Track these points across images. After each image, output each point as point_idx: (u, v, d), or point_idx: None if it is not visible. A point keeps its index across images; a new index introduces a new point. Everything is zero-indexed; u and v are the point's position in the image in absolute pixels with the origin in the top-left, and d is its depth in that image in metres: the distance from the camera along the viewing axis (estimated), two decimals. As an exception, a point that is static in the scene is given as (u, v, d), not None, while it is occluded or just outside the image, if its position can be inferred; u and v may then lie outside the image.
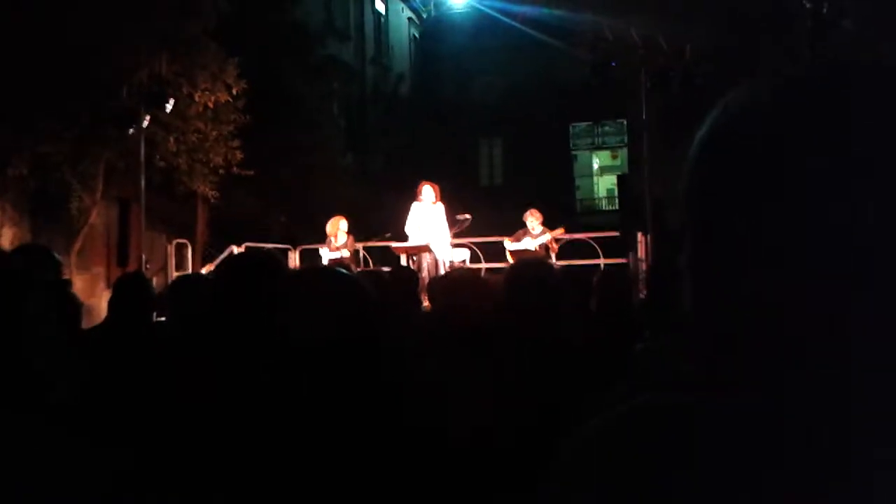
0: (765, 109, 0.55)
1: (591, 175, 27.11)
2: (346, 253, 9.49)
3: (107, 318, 3.37)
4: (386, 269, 6.22)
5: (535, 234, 9.54)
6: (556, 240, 9.69)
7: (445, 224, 9.39)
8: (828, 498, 0.49)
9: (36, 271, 2.50)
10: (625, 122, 23.55)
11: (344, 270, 1.67)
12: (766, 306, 0.52)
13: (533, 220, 9.59)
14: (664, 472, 0.53)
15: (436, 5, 25.86)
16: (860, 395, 0.51)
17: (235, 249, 10.23)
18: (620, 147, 25.47)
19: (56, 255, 2.86)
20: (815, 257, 0.51)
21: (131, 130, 10.22)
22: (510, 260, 9.36)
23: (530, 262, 2.91)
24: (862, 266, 0.50)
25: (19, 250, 2.80)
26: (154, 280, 5.82)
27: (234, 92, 11.74)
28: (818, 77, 0.55)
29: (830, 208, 0.50)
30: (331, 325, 1.48)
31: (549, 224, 9.67)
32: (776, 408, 0.52)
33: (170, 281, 10.24)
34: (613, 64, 11.45)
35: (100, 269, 12.48)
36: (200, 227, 13.58)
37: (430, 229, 9.25)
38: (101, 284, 12.20)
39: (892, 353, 0.50)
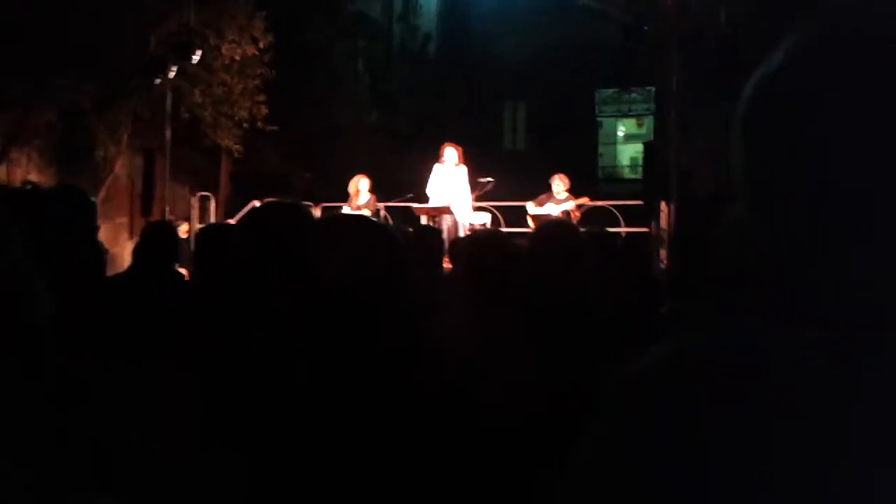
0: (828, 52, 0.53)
1: (614, 143, 26.82)
2: (367, 212, 9.51)
3: (131, 265, 3.40)
4: (409, 228, 6.22)
5: (560, 200, 9.48)
6: (579, 206, 9.62)
7: (467, 186, 9.35)
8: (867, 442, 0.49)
9: (73, 212, 2.51)
10: (652, 90, 23.19)
11: (373, 219, 1.67)
12: (835, 254, 0.51)
13: (559, 184, 9.52)
14: (709, 411, 0.52)
15: (466, -36, 25.46)
16: None
17: (257, 204, 10.26)
18: (646, 115, 25.12)
19: (92, 199, 2.85)
20: (878, 203, 0.49)
21: (158, 81, 10.23)
22: (531, 224, 9.33)
23: (556, 225, 2.90)
24: None
25: (58, 192, 2.77)
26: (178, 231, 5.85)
27: (261, 45, 11.70)
28: (872, 24, 0.53)
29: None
30: (360, 269, 1.48)
31: (573, 191, 9.60)
32: (831, 362, 0.51)
33: (193, 232, 10.32)
34: (645, 28, 11.24)
35: (123, 219, 12.59)
36: (224, 180, 13.64)
37: (452, 191, 9.21)
38: (125, 234, 12.33)
39: None
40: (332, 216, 1.90)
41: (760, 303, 0.57)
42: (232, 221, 10.02)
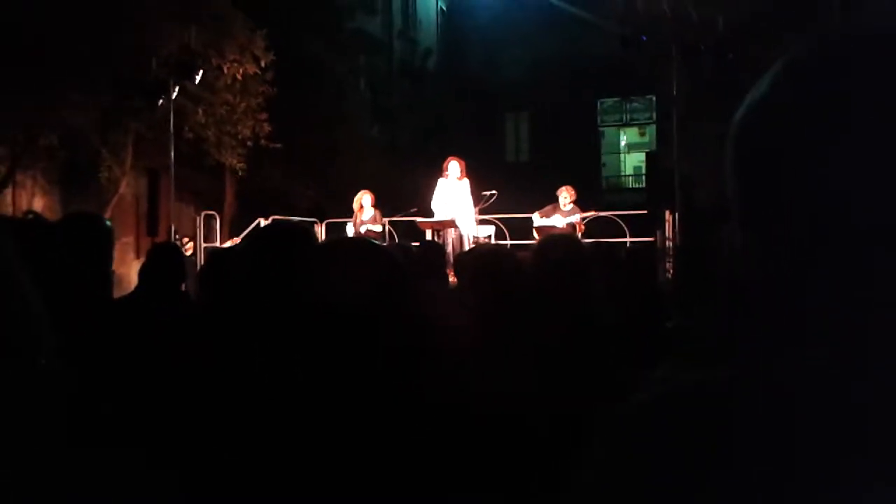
0: (827, 65, 0.53)
1: (617, 152, 26.86)
2: (372, 227, 9.52)
3: (137, 287, 3.41)
4: (413, 244, 6.23)
5: (566, 212, 9.49)
6: (583, 218, 9.64)
7: (471, 200, 9.37)
8: (862, 470, 0.49)
9: (92, 241, 2.51)
10: (653, 99, 23.24)
11: (374, 241, 1.67)
12: (829, 274, 0.51)
13: (566, 196, 9.53)
14: (704, 453, 0.52)
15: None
16: None
17: (262, 222, 10.30)
18: (648, 124, 25.17)
19: (108, 224, 2.82)
20: (872, 219, 0.49)
21: (160, 101, 10.29)
22: (536, 236, 9.34)
23: (559, 238, 2.90)
24: None
25: (76, 220, 2.71)
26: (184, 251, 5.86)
27: (262, 64, 11.77)
28: (872, 34, 0.53)
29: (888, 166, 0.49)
30: (362, 293, 1.49)
31: (578, 202, 9.62)
32: (831, 379, 0.51)
33: (199, 251, 10.35)
34: (644, 38, 11.28)
35: (129, 239, 12.64)
36: (228, 199, 13.69)
37: (456, 205, 9.23)
38: (131, 254, 12.37)
39: None
40: (331, 240, 1.91)
41: (757, 317, 0.57)
42: (236, 240, 10.05)
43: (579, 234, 9.46)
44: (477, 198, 9.47)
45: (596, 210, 10.05)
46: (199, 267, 3.51)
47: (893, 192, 0.49)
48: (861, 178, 0.50)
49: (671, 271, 8.70)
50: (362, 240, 1.74)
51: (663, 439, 0.55)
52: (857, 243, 0.50)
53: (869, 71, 0.51)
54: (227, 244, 9.55)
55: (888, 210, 0.49)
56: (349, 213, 9.89)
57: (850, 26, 0.54)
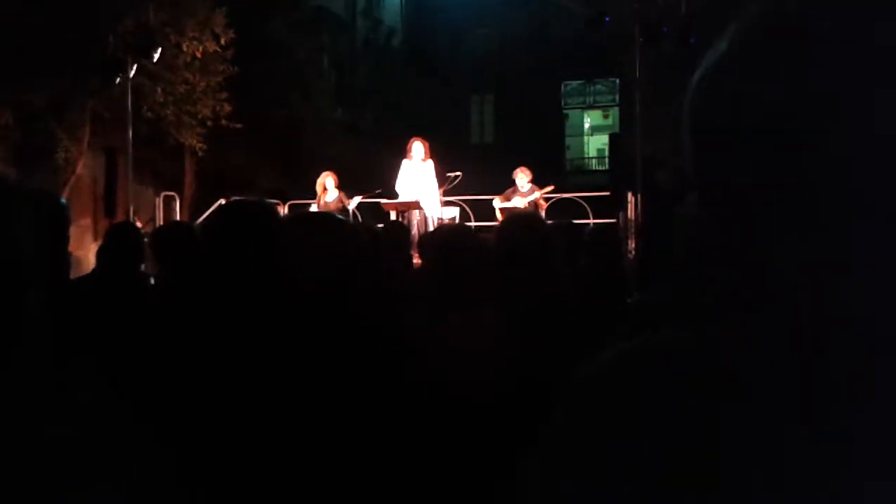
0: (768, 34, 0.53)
1: (581, 134, 27.01)
2: (335, 207, 9.45)
3: (95, 267, 3.35)
4: (378, 225, 6.21)
5: (525, 193, 9.52)
6: (546, 198, 9.67)
7: (435, 181, 9.35)
8: (821, 431, 0.50)
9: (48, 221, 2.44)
10: (617, 81, 23.38)
11: (338, 216, 1.66)
12: (784, 247, 0.52)
13: (522, 177, 9.55)
14: (664, 411, 0.53)
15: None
16: (862, 334, 0.50)
17: (224, 203, 10.17)
18: (612, 106, 25.34)
19: (63, 202, 2.75)
20: (825, 192, 0.50)
21: (118, 80, 10.06)
22: (499, 218, 9.36)
23: (522, 216, 2.91)
24: (869, 197, 0.49)
25: (31, 197, 2.63)
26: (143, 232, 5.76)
27: (223, 41, 11.57)
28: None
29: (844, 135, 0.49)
30: (328, 267, 1.48)
31: (538, 182, 9.64)
32: (778, 341, 0.52)
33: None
34: (607, 19, 11.31)
35: (87, 221, 12.39)
36: (188, 179, 13.48)
37: (420, 186, 9.21)
38: (89, 236, 12.13)
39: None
40: (298, 214, 1.89)
41: (713, 292, 0.58)
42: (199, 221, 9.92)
43: (542, 213, 9.51)
44: (441, 179, 9.45)
45: (558, 191, 10.10)
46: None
47: (850, 157, 0.49)
48: (818, 145, 0.49)
49: (633, 251, 8.80)
50: (326, 214, 1.73)
51: (617, 397, 0.55)
52: (813, 214, 0.50)
53: (824, 33, 0.50)
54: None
55: (844, 178, 0.49)
56: (312, 194, 9.81)
57: None
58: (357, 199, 9.54)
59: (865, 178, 0.49)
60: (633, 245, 9.23)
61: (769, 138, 0.51)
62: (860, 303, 0.50)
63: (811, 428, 0.50)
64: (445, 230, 3.38)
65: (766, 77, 0.52)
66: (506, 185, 9.74)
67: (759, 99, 0.52)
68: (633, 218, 10.01)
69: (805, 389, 0.50)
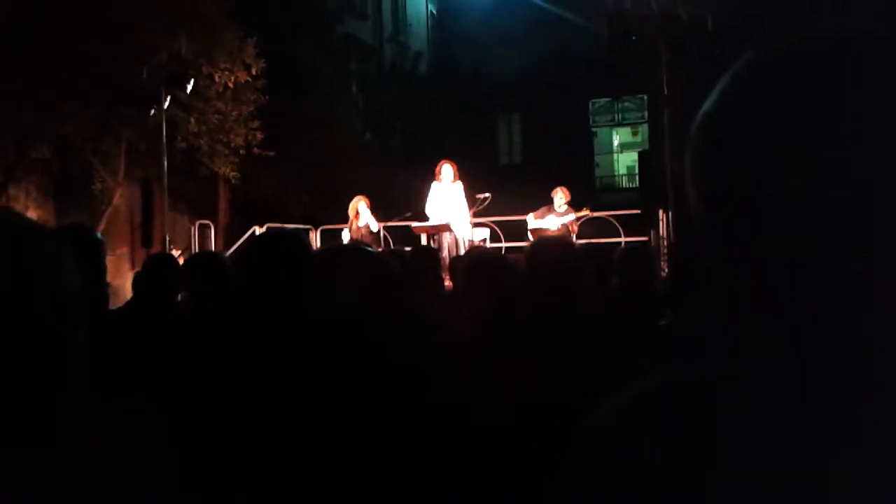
0: (774, 78, 0.55)
1: (610, 152, 26.91)
2: (372, 230, 9.49)
3: (133, 298, 3.42)
4: (407, 248, 6.24)
5: (560, 213, 9.50)
6: (578, 219, 9.65)
7: (465, 203, 9.37)
8: (851, 463, 0.50)
9: (84, 254, 2.50)
10: (645, 98, 23.30)
11: (368, 248, 1.68)
12: (786, 272, 0.53)
13: (561, 197, 9.55)
14: (688, 450, 0.53)
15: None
16: (883, 360, 0.51)
17: (258, 230, 10.29)
18: (641, 123, 25.23)
19: (99, 236, 2.82)
20: (828, 220, 0.51)
21: (152, 111, 10.28)
22: (531, 238, 9.35)
23: (551, 240, 2.91)
24: (882, 227, 0.50)
25: (68, 232, 2.67)
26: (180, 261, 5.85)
27: (254, 71, 11.75)
28: (818, 49, 0.55)
29: (844, 171, 0.51)
30: (356, 301, 1.50)
31: (574, 204, 9.63)
32: (799, 373, 0.52)
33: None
34: (633, 38, 11.30)
35: (124, 250, 12.61)
36: (222, 207, 13.67)
37: (450, 209, 9.24)
38: (126, 265, 12.34)
39: None
40: (328, 248, 1.92)
41: (731, 315, 0.58)
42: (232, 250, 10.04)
43: (573, 236, 9.47)
44: (471, 201, 9.48)
45: (589, 208, 10.07)
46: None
47: (850, 190, 0.50)
48: (817, 179, 0.51)
49: (666, 270, 8.71)
50: (354, 247, 1.75)
51: (639, 439, 0.55)
52: (817, 243, 0.51)
53: (825, 74, 0.53)
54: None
55: (847, 209, 0.50)
56: (343, 218, 9.88)
57: (808, 30, 0.56)
58: (376, 224, 9.57)
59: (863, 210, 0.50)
60: (666, 263, 9.15)
61: (772, 175, 0.53)
62: (879, 337, 0.50)
63: (824, 480, 0.50)
64: (478, 254, 3.39)
65: (756, 126, 0.54)
66: (535, 205, 9.73)
67: (750, 147, 0.54)
68: (664, 235, 9.93)
69: (822, 437, 0.51)
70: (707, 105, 0.59)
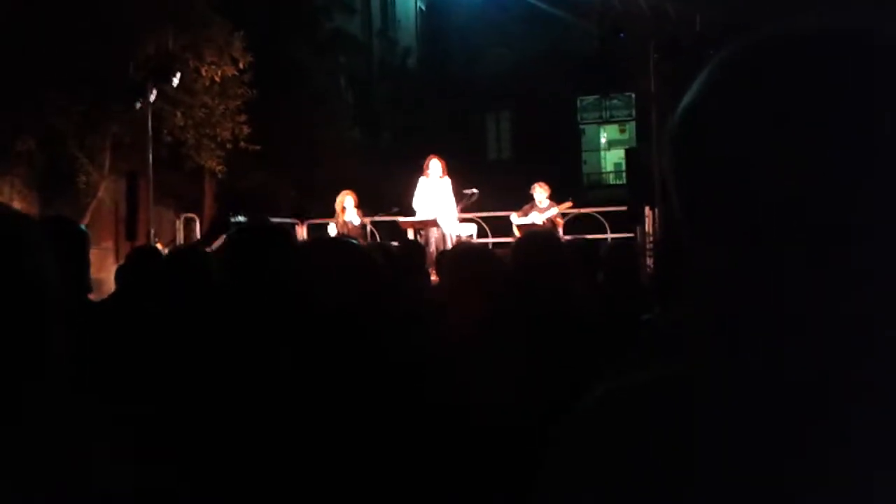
0: (751, 74, 0.55)
1: (598, 149, 26.97)
2: (355, 225, 9.48)
3: (115, 291, 3.39)
4: (394, 243, 6.24)
5: (543, 208, 9.51)
6: (563, 214, 9.66)
7: (452, 199, 9.38)
8: (824, 463, 0.50)
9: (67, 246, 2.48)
10: (633, 96, 23.37)
11: (354, 241, 1.67)
12: (760, 275, 0.53)
13: (541, 192, 9.56)
14: (660, 448, 0.53)
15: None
16: (856, 361, 0.51)
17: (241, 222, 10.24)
18: (628, 121, 25.30)
19: (83, 228, 2.80)
20: (803, 223, 0.51)
21: (138, 105, 10.21)
22: (517, 234, 9.36)
23: (538, 235, 2.91)
24: (858, 225, 0.50)
25: (51, 224, 2.67)
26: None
27: (241, 66, 11.70)
28: (793, 42, 0.55)
29: (821, 175, 0.50)
30: (342, 294, 1.49)
31: (556, 198, 9.64)
32: (773, 373, 0.52)
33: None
34: (622, 35, 11.33)
35: (108, 244, 12.53)
36: (208, 201, 13.60)
37: (438, 204, 9.24)
38: (110, 259, 12.26)
39: (887, 315, 0.50)
40: (314, 241, 1.91)
41: (705, 312, 0.58)
42: (218, 242, 9.99)
43: (559, 229, 9.50)
44: (458, 196, 9.48)
45: (571, 200, 10.08)
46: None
47: (825, 187, 0.50)
48: (793, 176, 0.51)
49: (651, 266, 8.74)
50: (340, 241, 1.75)
51: (620, 433, 0.55)
52: (794, 240, 0.51)
53: (795, 72, 0.53)
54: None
55: (823, 206, 0.50)
56: (331, 213, 9.86)
57: (781, 27, 0.56)
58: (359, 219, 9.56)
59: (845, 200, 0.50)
60: (652, 260, 9.18)
61: (744, 166, 0.53)
62: (871, 327, 0.50)
63: (806, 472, 0.50)
64: (463, 249, 3.39)
65: (737, 118, 0.54)
66: (523, 201, 9.75)
67: (730, 136, 0.54)
68: (650, 232, 9.97)
69: (802, 433, 0.51)
70: (687, 98, 0.58)
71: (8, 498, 0.72)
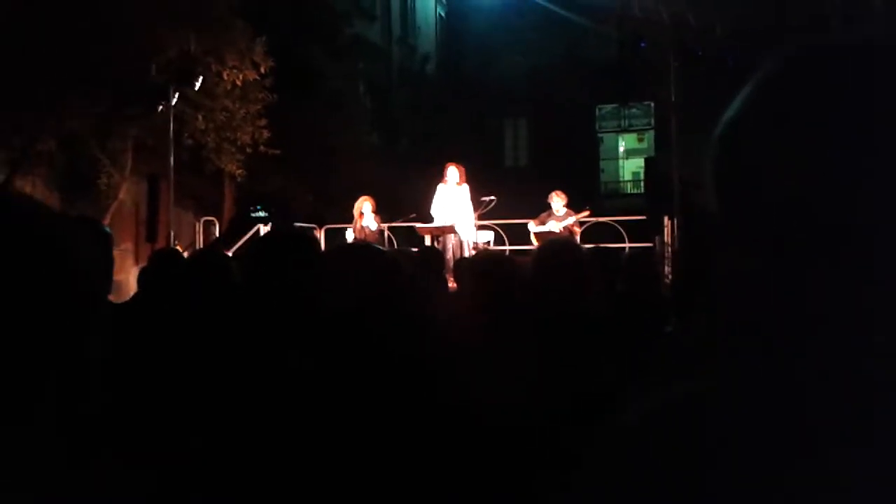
0: (796, 84, 0.55)
1: (616, 158, 26.90)
2: (372, 230, 9.51)
3: (137, 293, 3.42)
4: (413, 249, 6.24)
5: (560, 217, 9.49)
6: (581, 223, 9.63)
7: (470, 205, 9.38)
8: (847, 477, 0.50)
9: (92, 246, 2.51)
10: (652, 105, 23.29)
11: (378, 246, 1.68)
12: (801, 288, 0.53)
13: (558, 201, 9.53)
14: (691, 469, 0.53)
15: (463, -17, 25.65)
16: (877, 377, 0.51)
17: (262, 229, 10.30)
18: (647, 129, 25.21)
19: (107, 230, 2.83)
20: (848, 237, 0.51)
21: (160, 107, 10.30)
22: (534, 242, 9.34)
23: (558, 243, 2.91)
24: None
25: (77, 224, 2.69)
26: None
27: (262, 70, 11.77)
28: (837, 52, 0.55)
29: (865, 187, 0.50)
30: (363, 299, 1.50)
31: (573, 206, 9.61)
32: (799, 391, 0.52)
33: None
34: (643, 45, 11.31)
35: (128, 245, 12.63)
36: (227, 204, 13.69)
37: (455, 211, 9.25)
38: (130, 260, 12.36)
39: None
40: (337, 246, 1.92)
41: (738, 326, 0.58)
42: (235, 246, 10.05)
43: (577, 239, 9.47)
44: (476, 203, 9.48)
45: (593, 215, 10.05)
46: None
47: (869, 199, 0.50)
48: (838, 189, 0.51)
49: (670, 276, 8.71)
50: (364, 246, 1.75)
51: (649, 459, 0.55)
52: (837, 253, 0.51)
53: (838, 83, 0.53)
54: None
55: (866, 217, 0.50)
56: (348, 218, 9.89)
57: (820, 39, 0.56)
58: (376, 225, 9.60)
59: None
60: (671, 270, 9.15)
61: (792, 186, 0.53)
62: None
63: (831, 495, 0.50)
64: (483, 256, 3.39)
65: (780, 133, 0.54)
66: (540, 209, 9.73)
67: (774, 154, 0.54)
68: (669, 242, 9.92)
69: (822, 451, 0.50)
70: (730, 112, 0.58)
71: (15, 499, 0.73)
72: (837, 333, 0.52)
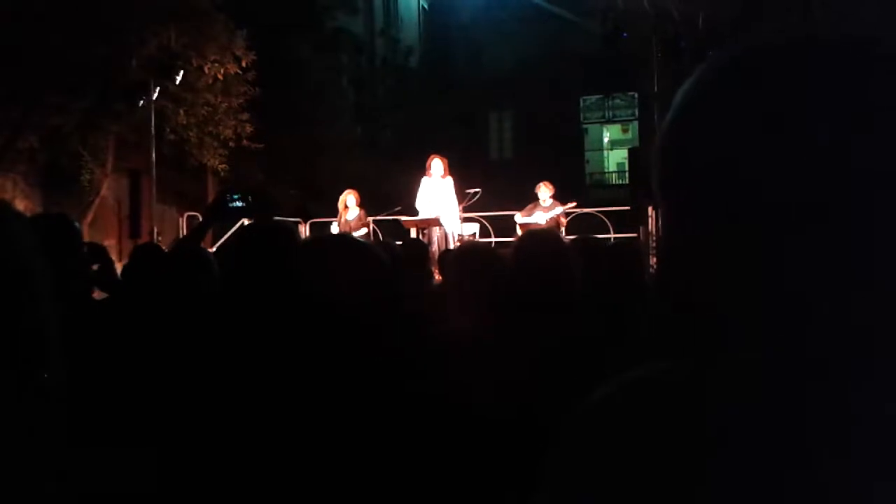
0: (732, 80, 0.57)
1: (601, 149, 26.97)
2: (356, 225, 9.50)
3: (120, 288, 3.40)
4: (397, 242, 6.24)
5: (546, 207, 9.50)
6: (566, 214, 9.65)
7: (455, 198, 9.38)
8: (820, 463, 0.50)
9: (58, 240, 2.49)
10: (636, 96, 23.36)
11: (358, 238, 1.68)
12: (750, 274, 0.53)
13: (545, 191, 9.55)
14: (667, 446, 0.54)
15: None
16: (873, 352, 0.51)
17: (246, 222, 10.24)
18: (631, 120, 25.30)
19: (76, 224, 2.81)
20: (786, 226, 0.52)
21: (141, 103, 10.23)
22: (519, 234, 9.36)
23: (538, 233, 2.92)
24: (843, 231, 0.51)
25: (39, 219, 2.68)
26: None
27: (244, 64, 11.71)
28: (776, 51, 0.56)
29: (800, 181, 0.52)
30: (346, 291, 1.49)
31: (559, 197, 9.64)
32: (781, 366, 0.53)
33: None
34: (625, 35, 11.33)
35: (111, 242, 12.54)
36: (211, 199, 13.63)
37: (440, 203, 9.24)
38: (113, 256, 12.28)
39: (877, 306, 0.51)
40: (319, 237, 1.92)
41: (694, 312, 0.59)
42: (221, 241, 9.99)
43: (562, 230, 9.49)
44: (461, 195, 9.48)
45: (579, 206, 10.08)
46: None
47: (810, 182, 0.52)
48: (781, 176, 0.52)
49: (654, 265, 8.74)
50: (346, 237, 1.75)
51: (626, 430, 0.56)
52: (781, 237, 0.52)
53: (780, 78, 0.54)
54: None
55: (808, 200, 0.52)
56: (333, 212, 9.87)
57: (766, 35, 0.58)
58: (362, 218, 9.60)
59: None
60: (654, 259, 9.18)
61: (733, 167, 0.54)
62: (870, 322, 0.51)
63: (804, 475, 0.50)
64: (467, 248, 3.39)
65: (726, 120, 0.55)
66: (525, 201, 9.74)
67: (719, 137, 0.55)
68: (653, 232, 9.97)
69: (800, 435, 0.51)
70: (678, 98, 0.59)
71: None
72: (789, 320, 0.53)
